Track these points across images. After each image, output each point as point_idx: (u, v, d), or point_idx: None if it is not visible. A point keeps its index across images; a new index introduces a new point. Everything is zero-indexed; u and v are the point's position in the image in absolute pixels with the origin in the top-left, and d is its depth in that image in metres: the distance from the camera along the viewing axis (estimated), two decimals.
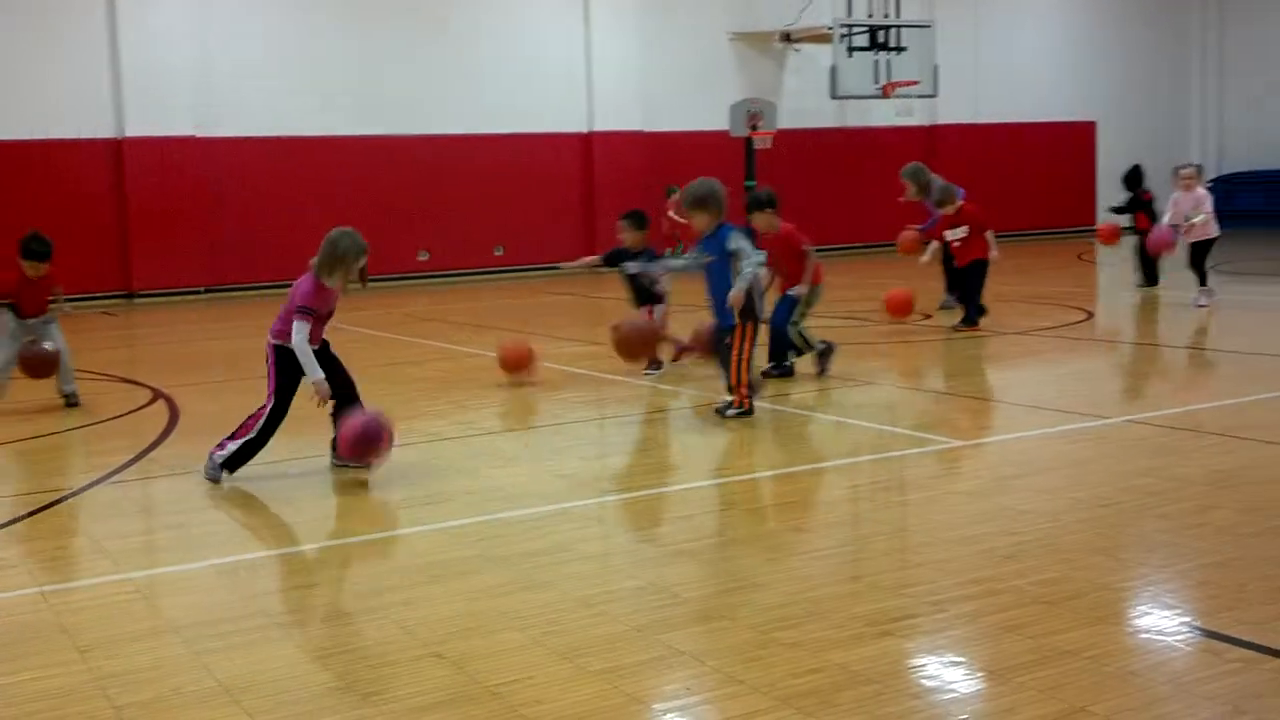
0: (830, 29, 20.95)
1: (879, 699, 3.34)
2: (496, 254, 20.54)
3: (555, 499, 5.65)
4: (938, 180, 11.65)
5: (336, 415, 6.27)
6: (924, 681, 3.52)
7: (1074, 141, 25.82)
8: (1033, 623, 3.85)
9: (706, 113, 21.64)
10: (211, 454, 6.25)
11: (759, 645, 3.77)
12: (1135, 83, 26.75)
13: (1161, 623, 3.88)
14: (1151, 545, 4.73)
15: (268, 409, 6.18)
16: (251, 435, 6.18)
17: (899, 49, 21.37)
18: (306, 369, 6.08)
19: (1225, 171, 27.06)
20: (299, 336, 6.04)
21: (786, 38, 22.48)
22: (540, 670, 3.63)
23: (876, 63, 21.33)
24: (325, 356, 6.26)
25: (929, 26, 21.87)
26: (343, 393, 6.29)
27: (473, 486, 6.01)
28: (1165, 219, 12.47)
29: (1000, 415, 7.56)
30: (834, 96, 21.27)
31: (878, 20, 21.47)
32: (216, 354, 12.20)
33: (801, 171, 22.32)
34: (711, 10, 22.09)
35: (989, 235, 11.16)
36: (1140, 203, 14.15)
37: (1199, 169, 12.52)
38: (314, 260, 6.16)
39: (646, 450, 7.11)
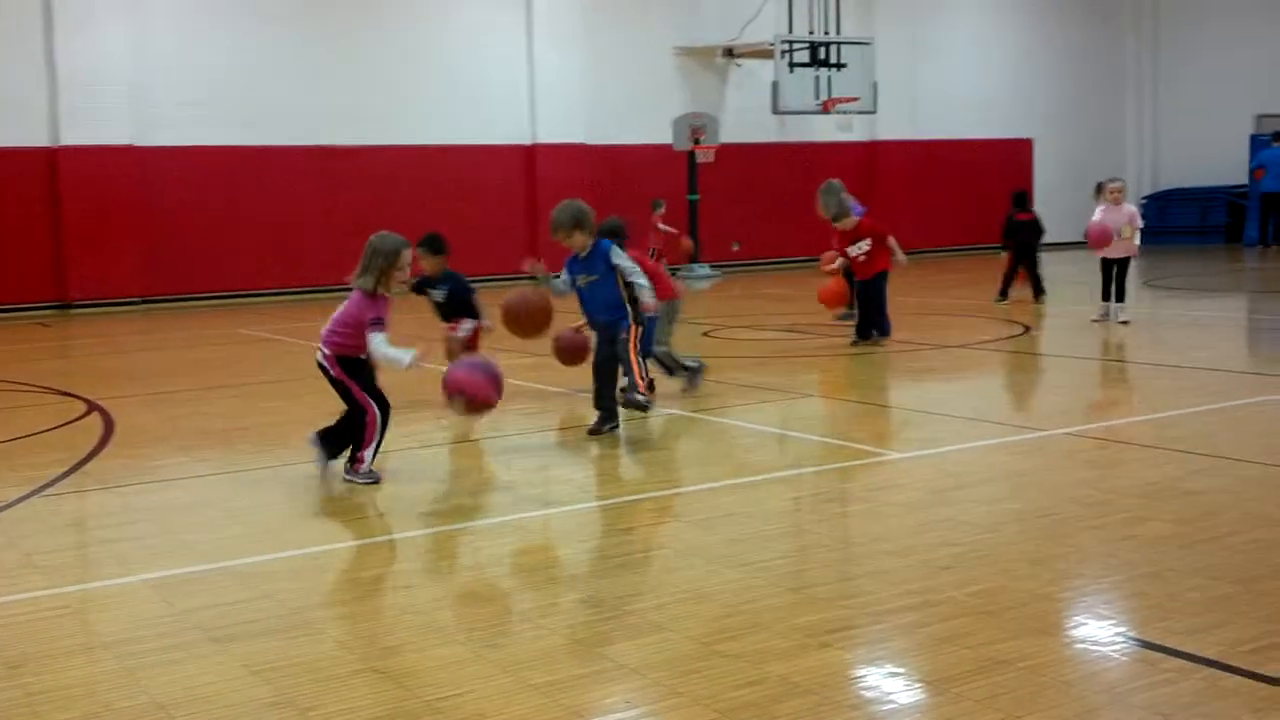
0: (772, 45, 21.13)
1: (818, 710, 3.35)
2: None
3: (499, 512, 5.63)
4: (847, 199, 11.60)
5: (343, 423, 6.32)
6: (863, 692, 3.54)
7: (1011, 158, 26.19)
8: (970, 633, 3.89)
9: (650, 126, 21.72)
10: (355, 474, 6.20)
11: (700, 657, 3.77)
12: (1071, 101, 27.19)
13: (1097, 633, 3.93)
14: (1087, 556, 4.80)
15: (374, 414, 6.24)
16: (377, 438, 6.25)
17: (839, 65, 21.59)
18: (398, 362, 6.12)
19: (1159, 189, 27.57)
20: (379, 347, 6.13)
21: (729, 53, 22.63)
22: (480, 684, 3.61)
23: (817, 79, 21.54)
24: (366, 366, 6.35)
25: (869, 44, 22.11)
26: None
27: (414, 498, 5.97)
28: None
29: (939, 427, 7.63)
30: (775, 111, 21.43)
31: (819, 37, 21.68)
32: (153, 365, 12.03)
33: (743, 185, 22.47)
34: (655, 24, 22.18)
35: (892, 242, 11.20)
36: (1015, 223, 14.94)
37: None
38: (359, 275, 6.23)
39: (590, 463, 7.10)
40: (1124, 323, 11.86)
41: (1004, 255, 15.22)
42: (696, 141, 21.21)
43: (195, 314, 17.07)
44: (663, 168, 21.68)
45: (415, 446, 7.36)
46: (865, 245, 11.21)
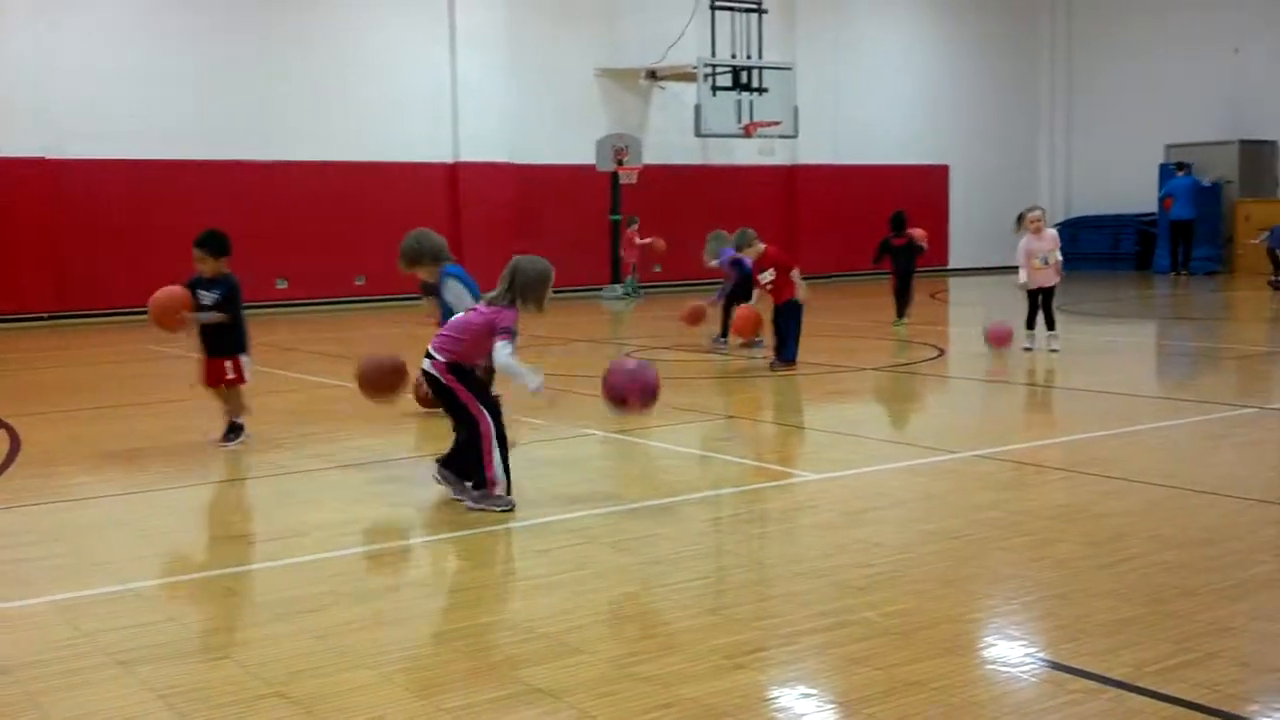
0: (695, 68, 21.26)
1: None
2: (358, 283, 20.27)
3: (413, 534, 5.57)
4: (747, 232, 11.52)
5: (459, 440, 6.20)
6: (775, 715, 3.54)
7: (929, 184, 26.61)
8: (883, 654, 3.91)
9: (573, 146, 21.75)
10: (487, 501, 6.02)
11: (614, 680, 3.75)
12: (987, 129, 27.70)
13: (1007, 654, 3.98)
14: (998, 577, 4.85)
15: (488, 423, 6.07)
16: (496, 452, 6.06)
17: (761, 90, 21.80)
18: (520, 377, 6.01)
19: (1072, 216, 28.16)
20: (506, 355, 6.00)
21: (652, 75, 22.74)
22: (391, 709, 3.55)
23: (740, 102, 21.72)
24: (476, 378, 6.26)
25: (790, 69, 22.35)
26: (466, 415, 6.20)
27: (325, 520, 5.88)
28: (1020, 267, 12.05)
29: (854, 449, 7.69)
30: (698, 134, 21.56)
31: (741, 61, 21.87)
32: (60, 382, 11.76)
33: (666, 207, 22.55)
34: (579, 45, 22.24)
35: (795, 275, 11.04)
36: (890, 247, 15.53)
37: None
38: (501, 291, 6.12)
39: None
40: (1054, 351, 11.86)
41: (890, 279, 15.73)
42: (620, 162, 21.27)
43: (104, 330, 16.72)
44: (586, 188, 21.72)
45: (326, 468, 7.26)
46: (770, 274, 11.15)
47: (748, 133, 21.86)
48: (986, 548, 5.21)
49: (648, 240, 21.02)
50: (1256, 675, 3.72)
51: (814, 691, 3.70)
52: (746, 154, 23.70)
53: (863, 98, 25.73)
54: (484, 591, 4.87)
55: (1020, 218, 12.30)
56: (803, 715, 3.53)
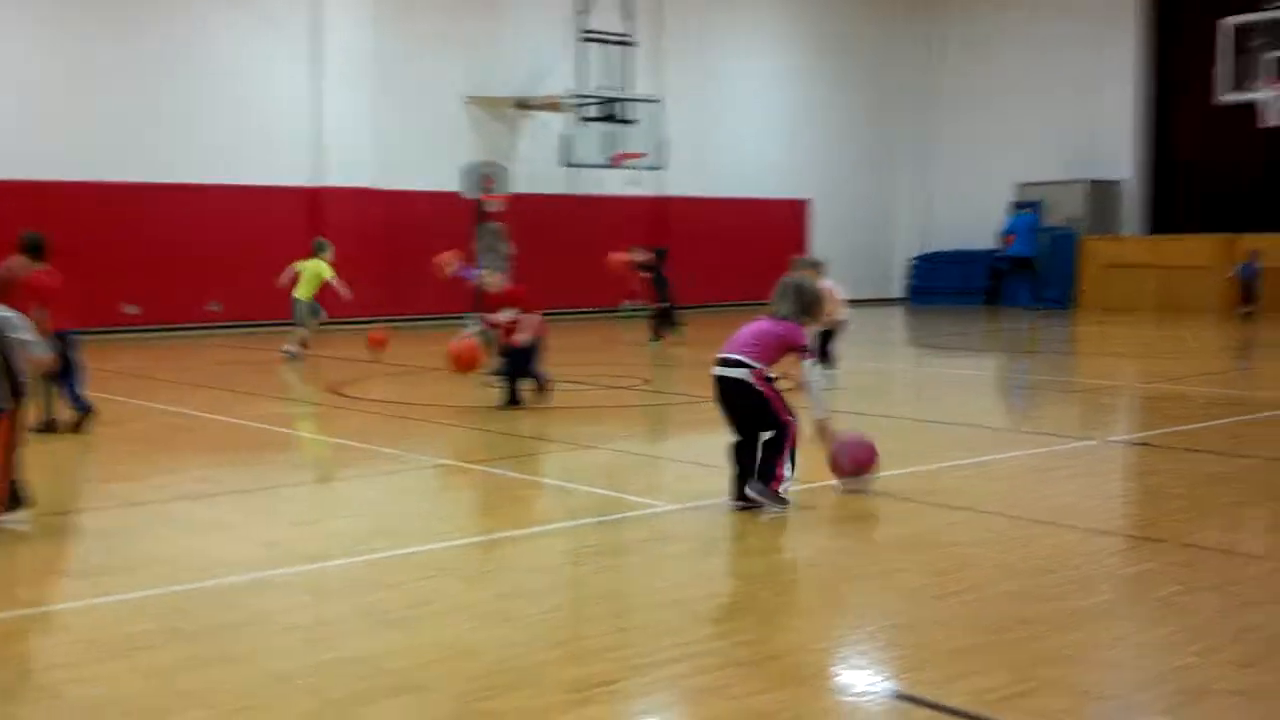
0: (564, 99, 21.32)
1: None
2: (213, 309, 19.78)
3: (256, 568, 5.41)
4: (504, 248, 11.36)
5: (743, 455, 6.48)
6: None
7: (790, 217, 27.08)
8: (733, 684, 3.92)
9: (440, 173, 21.59)
10: (769, 495, 6.29)
11: (459, 717, 3.69)
12: (848, 165, 28.33)
13: (853, 683, 4.02)
14: (846, 607, 4.92)
15: (797, 427, 6.42)
16: (790, 457, 6.39)
17: (630, 121, 21.94)
18: (816, 402, 6.53)
19: (928, 251, 28.92)
20: (815, 375, 6.54)
21: (522, 104, 22.75)
22: None
23: (609, 134, 21.83)
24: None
25: (658, 101, 22.54)
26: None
27: (165, 555, 5.69)
28: None
29: (713, 479, 7.72)
30: (565, 164, 21.60)
31: (609, 93, 21.99)
32: None
33: (533, 236, 22.48)
34: (447, 73, 22.13)
35: (527, 321, 10.56)
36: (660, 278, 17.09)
37: (815, 264, 11.62)
38: (789, 309, 6.53)
39: (358, 515, 6.91)
40: (837, 387, 11.79)
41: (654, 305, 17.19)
42: (486, 190, 21.18)
43: None
44: (453, 215, 21.56)
45: (168, 500, 7.04)
46: (510, 314, 10.60)
47: (615, 163, 21.97)
48: (837, 577, 5.28)
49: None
50: (1091, 703, 3.82)
51: None
52: (614, 185, 23.81)
53: (730, 131, 26.10)
54: (328, 628, 4.75)
55: (792, 264, 11.88)
56: None
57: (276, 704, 3.81)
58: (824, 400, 6.54)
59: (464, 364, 11.08)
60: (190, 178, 19.51)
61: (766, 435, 6.43)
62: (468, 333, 11.32)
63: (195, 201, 19.53)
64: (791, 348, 6.54)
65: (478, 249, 12.81)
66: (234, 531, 6.22)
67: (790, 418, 6.44)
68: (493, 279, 10.77)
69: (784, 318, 6.56)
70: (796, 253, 24.85)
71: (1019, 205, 25.61)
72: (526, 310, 10.64)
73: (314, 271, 15.49)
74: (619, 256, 17.11)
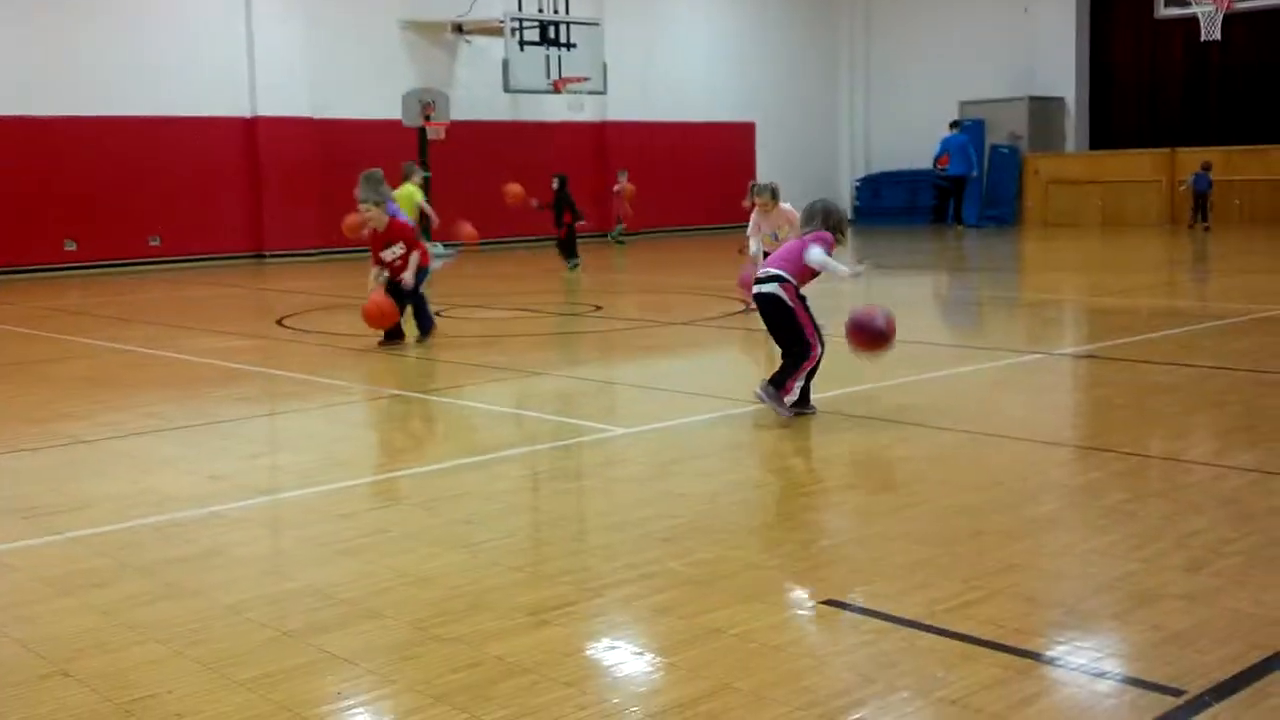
0: (501, 22, 21.00)
1: (534, 689, 3.33)
2: (152, 244, 19.45)
3: (206, 502, 5.36)
4: (386, 191, 10.87)
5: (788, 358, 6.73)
6: (580, 668, 3.54)
7: (736, 141, 26.95)
8: (685, 603, 3.95)
9: (378, 101, 21.24)
10: (775, 399, 6.60)
11: (416, 643, 3.69)
12: (791, 87, 28.19)
13: (804, 598, 4.07)
14: (797, 524, 4.96)
15: (816, 353, 6.69)
16: (803, 378, 6.67)
17: (570, 45, 21.66)
18: (835, 269, 6.76)
19: (872, 172, 28.94)
20: (819, 253, 6.66)
21: (458, 29, 22.37)
22: (181, 683, 3.42)
23: (548, 58, 21.55)
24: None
25: (597, 25, 22.27)
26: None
27: (114, 492, 5.63)
28: (750, 237, 11.41)
29: (665, 403, 7.76)
30: (506, 90, 21.33)
31: (548, 16, 21.68)
32: None
33: (476, 163, 22.27)
34: None
35: (414, 259, 10.11)
36: (563, 202, 17.46)
37: (773, 190, 11.27)
38: (815, 225, 6.79)
39: (309, 447, 6.87)
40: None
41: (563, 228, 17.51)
42: (427, 118, 20.88)
43: None
44: (392, 143, 21.24)
45: (117, 436, 6.95)
46: (399, 249, 10.11)
47: (556, 88, 21.72)
48: (787, 495, 5.32)
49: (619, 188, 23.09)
50: (1040, 610, 3.88)
51: (617, 644, 3.71)
52: (556, 110, 23.57)
53: (670, 55, 25.85)
54: (281, 559, 4.73)
55: (751, 189, 11.82)
56: (607, 668, 3.54)
57: (231, 635, 3.79)
58: (838, 264, 6.78)
59: (381, 320, 10.07)
60: (123, 110, 19.07)
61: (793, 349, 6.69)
62: (371, 287, 10.23)
63: (129, 134, 19.11)
64: (813, 241, 6.76)
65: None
66: (183, 466, 6.16)
67: (814, 341, 6.68)
68: (379, 215, 10.04)
69: (819, 229, 6.82)
70: (744, 176, 24.99)
71: (953, 125, 25.65)
72: (412, 247, 10.12)
73: (406, 197, 14.83)
74: (514, 188, 17.01)
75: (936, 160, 25.59)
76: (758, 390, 6.73)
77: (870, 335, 6.73)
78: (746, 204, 12.08)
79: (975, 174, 24.83)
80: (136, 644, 3.73)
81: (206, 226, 19.80)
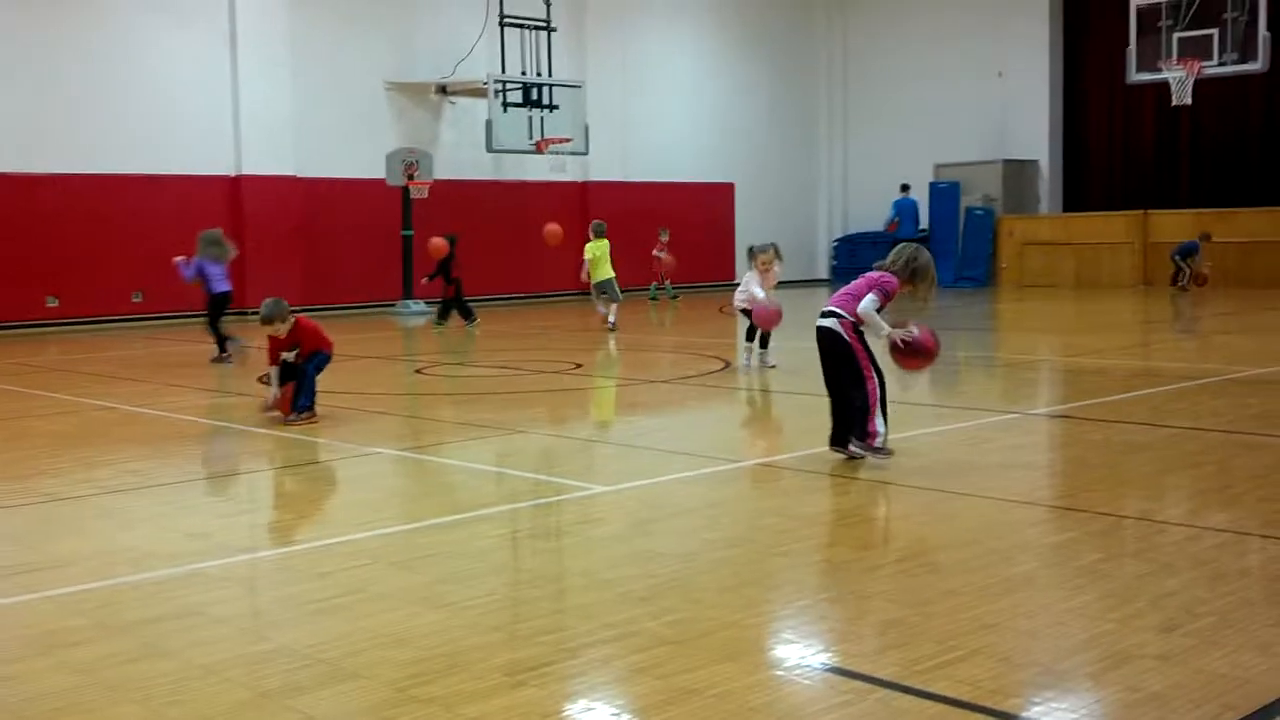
0: (485, 83, 21.22)
1: None
2: (135, 301, 19.45)
3: (186, 560, 5.36)
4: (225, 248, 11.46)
5: (839, 413, 6.96)
6: None
7: (716, 201, 27.20)
8: (663, 663, 3.96)
9: (363, 160, 21.42)
10: (869, 448, 6.81)
11: (394, 704, 3.69)
12: (770, 149, 28.54)
13: (782, 658, 4.08)
14: (775, 583, 4.98)
15: (875, 384, 6.80)
16: (879, 411, 6.79)
17: (552, 107, 21.91)
18: (877, 327, 6.79)
19: (849, 232, 29.22)
20: (869, 304, 6.72)
21: (442, 90, 22.60)
22: None
23: (531, 119, 21.77)
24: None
25: (579, 87, 22.53)
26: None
27: (93, 550, 5.61)
28: (748, 299, 11.78)
29: (643, 460, 7.79)
30: (490, 150, 21.53)
31: (531, 78, 21.93)
32: None
33: (459, 222, 22.37)
34: (367, 58, 21.93)
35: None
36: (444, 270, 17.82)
37: (776, 249, 11.99)
38: (897, 264, 6.90)
39: (288, 505, 6.87)
40: (772, 367, 11.84)
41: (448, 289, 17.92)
42: (410, 177, 21.03)
43: None
44: (376, 202, 21.41)
45: (95, 494, 6.94)
46: (297, 349, 9.36)
47: (539, 149, 21.93)
48: (765, 554, 5.35)
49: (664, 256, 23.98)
50: (1016, 670, 3.91)
51: (595, 704, 3.72)
52: (539, 170, 23.78)
53: (652, 116, 26.15)
54: (259, 619, 4.73)
55: (751, 252, 12.12)
56: None
57: (208, 696, 3.78)
58: (881, 323, 6.87)
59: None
60: (107, 168, 19.16)
61: (855, 394, 6.85)
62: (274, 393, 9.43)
63: (113, 192, 19.20)
64: (874, 286, 6.84)
65: (201, 254, 13.29)
66: (163, 524, 6.15)
67: (872, 375, 6.81)
68: (284, 325, 9.25)
69: (887, 270, 6.92)
70: (724, 236, 25.26)
71: (903, 188, 26.26)
72: (310, 345, 9.43)
73: (605, 251, 16.98)
74: (554, 228, 17.51)
75: (888, 224, 26.22)
76: (851, 449, 6.92)
77: (920, 355, 7.03)
78: (750, 265, 12.20)
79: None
80: (113, 705, 3.72)
81: (190, 284, 19.82)
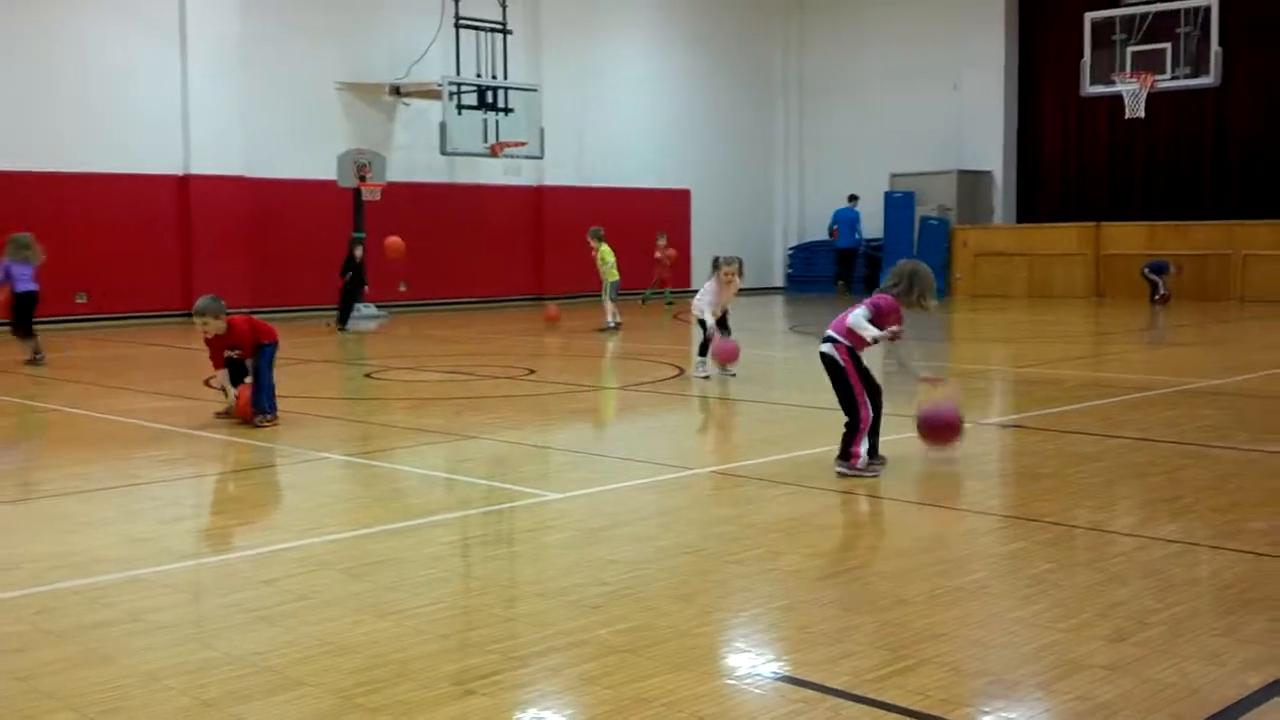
0: (439, 85, 21.11)
1: None
2: (79, 301, 19.17)
3: (127, 566, 5.25)
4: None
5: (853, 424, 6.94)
6: None
7: (671, 208, 27.21)
8: (613, 672, 3.92)
9: (314, 161, 21.22)
10: (852, 468, 6.83)
11: (340, 713, 3.62)
12: (727, 156, 28.59)
13: (734, 666, 4.05)
14: (728, 591, 4.96)
15: (868, 414, 6.88)
16: (864, 442, 6.87)
17: (507, 110, 21.83)
18: (866, 333, 6.83)
19: (805, 241, 29.32)
20: (859, 315, 6.83)
21: (396, 91, 22.46)
22: None
23: (485, 122, 21.68)
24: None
25: (535, 90, 22.47)
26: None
27: (34, 554, 5.49)
28: (707, 314, 11.84)
29: (596, 467, 7.74)
30: (444, 153, 21.41)
31: (486, 81, 21.84)
32: None
33: (412, 225, 22.27)
34: (318, 58, 21.75)
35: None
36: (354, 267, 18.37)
37: (740, 263, 12.01)
38: (899, 287, 6.90)
39: (234, 511, 6.77)
40: (733, 375, 11.77)
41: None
42: (362, 179, 20.88)
43: None
44: (327, 204, 21.23)
45: (38, 497, 6.80)
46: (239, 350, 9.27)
47: (494, 152, 21.85)
48: (717, 561, 5.32)
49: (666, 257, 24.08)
50: (965, 680, 3.90)
51: (545, 714, 3.68)
52: (493, 173, 23.69)
53: (608, 121, 26.11)
54: (202, 625, 4.64)
55: (715, 262, 12.11)
56: None
57: (149, 704, 3.70)
58: (870, 328, 6.89)
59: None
60: (52, 166, 18.88)
61: (848, 416, 6.94)
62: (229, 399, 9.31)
63: (58, 190, 18.91)
64: (867, 304, 6.90)
65: (10, 256, 13.64)
66: (106, 529, 6.03)
67: (863, 402, 6.87)
68: (217, 324, 9.07)
69: (885, 292, 6.94)
70: (679, 243, 25.35)
71: (851, 198, 26.54)
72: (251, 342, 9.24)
73: (610, 255, 18.26)
74: (395, 240, 18.23)
75: (830, 230, 26.52)
76: (835, 468, 6.99)
77: (942, 430, 7.20)
78: (712, 275, 12.17)
79: (862, 249, 26.22)
80: (51, 712, 3.63)
81: (135, 284, 19.57)
